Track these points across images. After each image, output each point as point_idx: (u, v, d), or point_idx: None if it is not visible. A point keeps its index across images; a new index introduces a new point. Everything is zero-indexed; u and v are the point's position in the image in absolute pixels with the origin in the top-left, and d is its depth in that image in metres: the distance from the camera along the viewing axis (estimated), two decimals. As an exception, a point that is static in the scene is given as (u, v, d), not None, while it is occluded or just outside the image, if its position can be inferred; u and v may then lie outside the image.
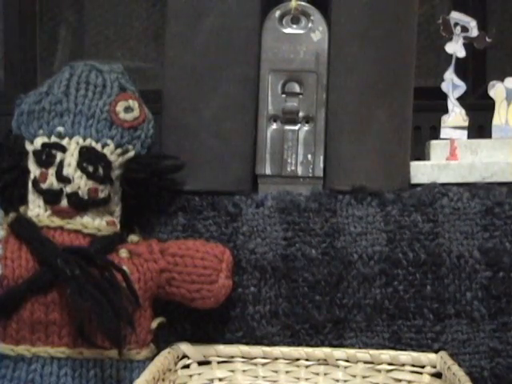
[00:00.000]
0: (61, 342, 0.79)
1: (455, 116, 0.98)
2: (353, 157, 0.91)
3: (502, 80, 0.98)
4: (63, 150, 0.82)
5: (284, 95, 0.92)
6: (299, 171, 0.92)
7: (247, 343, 0.88)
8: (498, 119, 0.98)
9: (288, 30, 0.92)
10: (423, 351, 0.87)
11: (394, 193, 0.91)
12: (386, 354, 0.86)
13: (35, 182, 0.82)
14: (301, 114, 0.91)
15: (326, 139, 0.92)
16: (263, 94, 0.92)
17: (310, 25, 0.91)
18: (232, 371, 0.89)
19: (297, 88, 0.91)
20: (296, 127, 0.92)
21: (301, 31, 0.92)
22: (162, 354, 0.82)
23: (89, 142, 0.82)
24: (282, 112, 0.91)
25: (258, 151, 0.92)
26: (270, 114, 0.92)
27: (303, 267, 0.88)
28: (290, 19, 0.92)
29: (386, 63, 0.90)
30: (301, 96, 0.91)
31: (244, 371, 0.89)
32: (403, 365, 0.86)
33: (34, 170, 0.82)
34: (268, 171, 0.92)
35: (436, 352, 0.87)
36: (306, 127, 0.91)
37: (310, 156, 0.91)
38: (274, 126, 0.92)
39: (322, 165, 0.91)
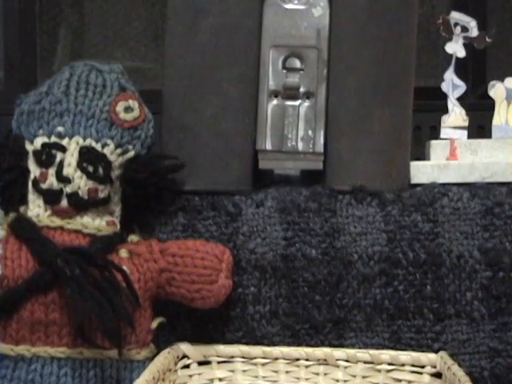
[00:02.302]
0: (61, 342, 0.79)
1: (455, 116, 0.98)
2: (353, 157, 0.91)
3: (502, 80, 0.98)
4: (63, 150, 0.82)
5: (285, 71, 0.91)
6: (300, 147, 0.91)
7: (247, 343, 0.88)
8: (498, 119, 0.98)
9: (289, 6, 0.91)
10: (423, 351, 0.87)
11: (394, 193, 0.91)
12: (386, 354, 0.86)
13: (35, 182, 0.82)
14: (301, 90, 0.91)
15: (327, 138, 0.92)
16: (264, 69, 0.91)
17: (311, 0, 0.91)
18: (232, 371, 0.89)
19: (297, 64, 0.91)
20: (297, 103, 0.91)
21: (302, 6, 0.91)
22: (162, 354, 0.82)
23: (89, 142, 0.82)
24: (282, 88, 0.91)
25: (258, 127, 0.91)
26: (270, 89, 0.91)
27: (303, 267, 0.88)
28: None
29: (386, 63, 0.90)
30: (301, 72, 0.91)
31: (244, 371, 0.89)
32: (403, 365, 0.86)
33: (34, 170, 0.82)
34: (269, 146, 0.92)
35: (436, 352, 0.87)
36: (307, 103, 0.91)
37: (310, 132, 0.91)
38: (275, 101, 0.92)
39: (322, 140, 0.91)
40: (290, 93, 0.91)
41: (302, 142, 0.91)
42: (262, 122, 0.91)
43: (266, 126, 0.91)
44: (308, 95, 0.91)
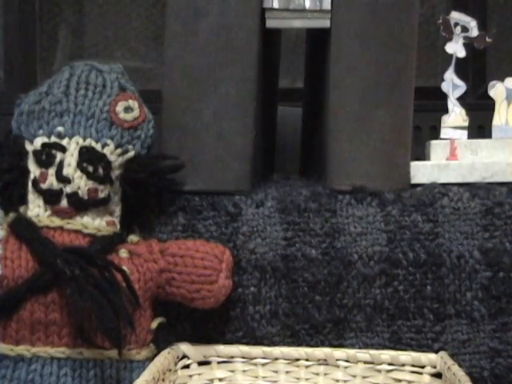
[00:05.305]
0: (61, 342, 0.79)
1: (455, 116, 0.98)
2: (353, 157, 0.91)
3: (502, 80, 0.98)
4: (63, 150, 0.82)
5: None
6: (307, 4, 0.91)
7: (247, 343, 0.88)
8: (498, 119, 0.98)
9: None
10: (423, 351, 0.87)
11: (394, 193, 0.90)
12: (386, 354, 0.86)
13: (35, 182, 0.82)
14: None
15: (327, 139, 0.92)
16: None
17: None
18: (232, 371, 0.89)
19: None
20: None
21: None
22: (162, 354, 0.82)
23: (89, 142, 0.82)
24: None
25: None
26: None
27: (303, 267, 0.88)
28: None
29: (386, 63, 0.90)
30: None
31: (244, 371, 0.88)
32: (403, 365, 0.86)
33: (34, 170, 0.82)
34: (275, 5, 0.91)
35: (436, 352, 0.87)
36: None
37: None
38: None
39: None
40: None
41: None
42: None
43: None
44: None
